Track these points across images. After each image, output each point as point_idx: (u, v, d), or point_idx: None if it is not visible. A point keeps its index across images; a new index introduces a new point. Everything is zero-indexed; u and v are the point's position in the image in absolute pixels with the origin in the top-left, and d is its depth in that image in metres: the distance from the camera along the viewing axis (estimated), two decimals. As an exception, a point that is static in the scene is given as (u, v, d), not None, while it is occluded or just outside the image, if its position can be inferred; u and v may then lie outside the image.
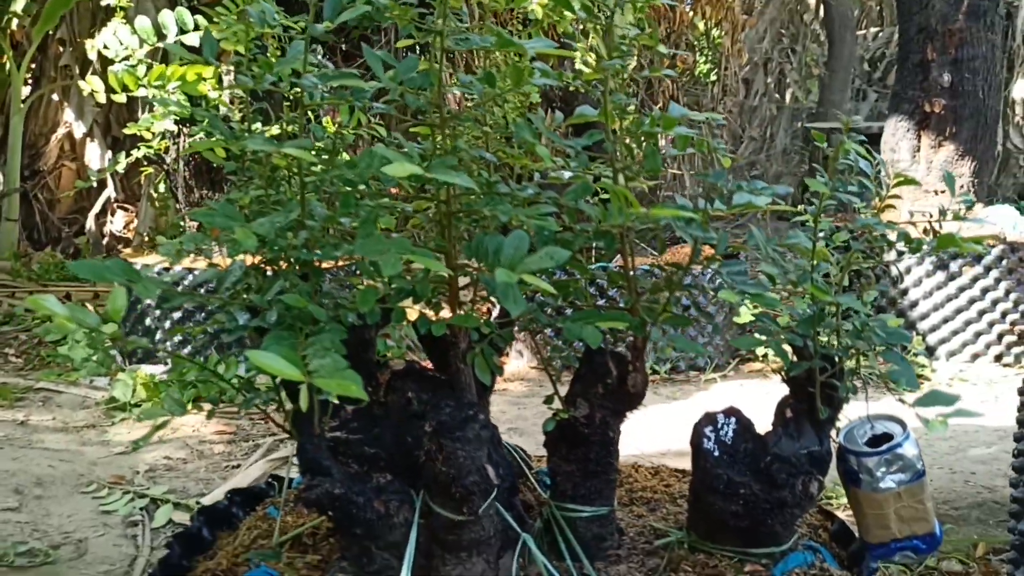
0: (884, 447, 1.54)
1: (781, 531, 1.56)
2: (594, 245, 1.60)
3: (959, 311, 4.54)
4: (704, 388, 4.13)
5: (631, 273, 1.58)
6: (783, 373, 1.55)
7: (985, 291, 4.53)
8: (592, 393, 1.63)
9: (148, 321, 4.19)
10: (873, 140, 5.60)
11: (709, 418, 1.60)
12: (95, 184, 6.17)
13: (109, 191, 6.46)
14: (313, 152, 1.54)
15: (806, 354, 1.55)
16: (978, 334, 4.55)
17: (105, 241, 6.44)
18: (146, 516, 2.81)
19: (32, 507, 2.86)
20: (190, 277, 3.90)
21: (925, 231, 1.59)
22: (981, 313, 4.53)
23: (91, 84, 3.87)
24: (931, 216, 1.58)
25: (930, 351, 4.56)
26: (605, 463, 1.65)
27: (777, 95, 9.38)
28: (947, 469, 3.16)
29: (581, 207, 1.52)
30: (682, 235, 1.46)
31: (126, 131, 3.75)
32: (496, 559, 1.56)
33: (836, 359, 1.54)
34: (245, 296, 1.44)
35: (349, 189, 1.44)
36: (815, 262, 1.49)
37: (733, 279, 1.46)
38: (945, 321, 4.56)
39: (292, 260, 1.44)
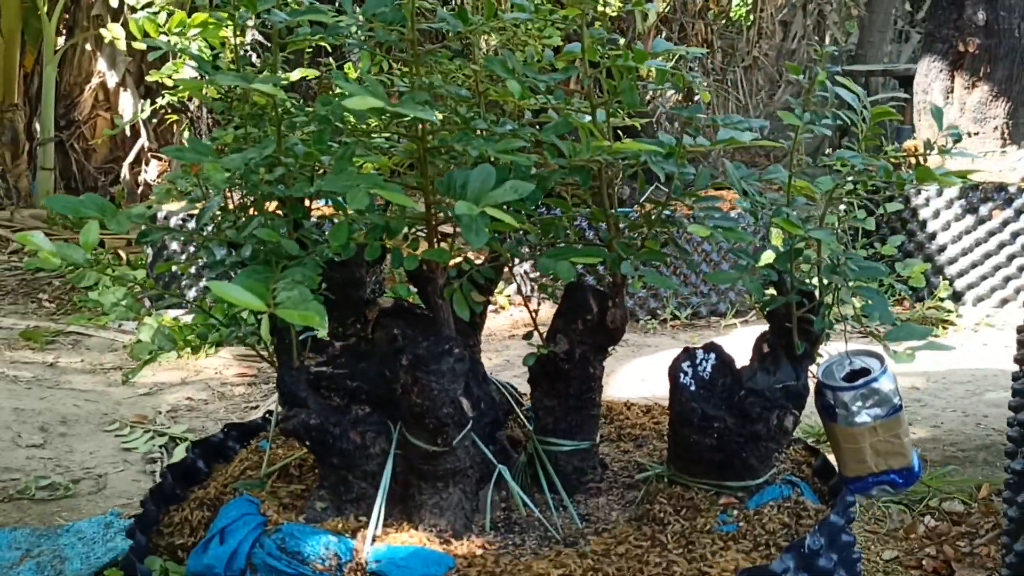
0: (860, 381, 1.54)
1: (756, 464, 1.57)
2: (618, 188, 1.60)
3: (988, 255, 4.47)
4: (724, 333, 4.12)
5: (610, 210, 1.58)
6: (760, 308, 1.55)
7: (1016, 235, 4.44)
8: (572, 329, 1.64)
9: (174, 269, 4.27)
10: (910, 82, 5.47)
11: (688, 353, 1.61)
12: (127, 132, 6.26)
13: (143, 140, 6.55)
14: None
15: (784, 289, 1.55)
16: (1007, 279, 4.47)
17: (140, 190, 6.55)
18: (165, 453, 2.89)
19: (56, 444, 2.97)
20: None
21: (911, 166, 1.57)
22: (1011, 258, 4.45)
23: (112, 32, 3.91)
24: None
25: (957, 296, 4.50)
26: (586, 398, 1.68)
27: (816, 37, 9.17)
28: (960, 412, 3.14)
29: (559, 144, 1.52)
30: (656, 170, 1.46)
31: (148, 79, 3.79)
32: (475, 490, 1.59)
33: (813, 294, 1.54)
34: (224, 232, 1.47)
35: (323, 126, 1.46)
36: (790, 196, 1.48)
37: (706, 213, 1.46)
38: (973, 266, 4.48)
39: (273, 197, 1.46)
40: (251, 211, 1.50)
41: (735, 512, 1.54)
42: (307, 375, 1.55)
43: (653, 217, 1.57)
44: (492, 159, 1.47)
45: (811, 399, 1.60)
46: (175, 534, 1.58)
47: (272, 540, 1.40)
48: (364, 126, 1.59)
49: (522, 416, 1.93)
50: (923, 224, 4.56)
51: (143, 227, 1.41)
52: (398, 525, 1.49)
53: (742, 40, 8.36)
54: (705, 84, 7.77)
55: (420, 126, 1.49)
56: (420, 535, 1.47)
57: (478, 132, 1.52)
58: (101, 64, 6.56)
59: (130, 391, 3.48)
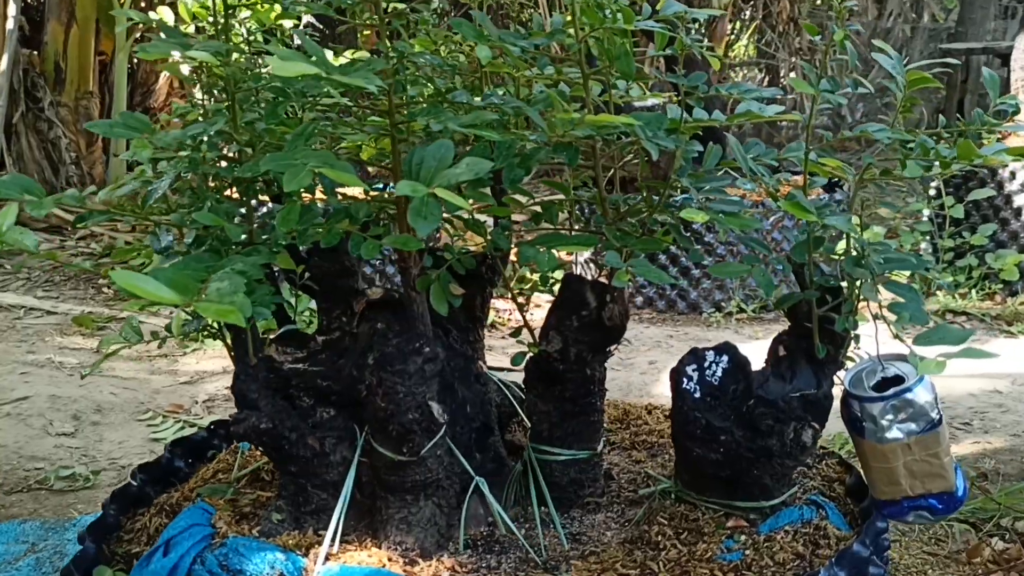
0: (890, 392, 1.32)
1: (770, 483, 1.38)
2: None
3: (1091, 246, 4.10)
4: (792, 327, 3.86)
5: (605, 193, 1.40)
6: (778, 305, 1.35)
7: (1123, 223, 4.06)
8: (566, 326, 1.47)
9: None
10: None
11: (695, 355, 1.42)
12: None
13: (215, 127, 6.56)
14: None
15: (804, 284, 1.35)
16: (1112, 270, 4.09)
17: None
18: (191, 445, 2.82)
19: (87, 433, 2.92)
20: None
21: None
22: (1117, 247, 4.07)
23: (161, 15, 3.86)
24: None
25: (1054, 289, 4.14)
26: (584, 403, 1.50)
27: (913, 15, 8.69)
28: (1043, 420, 2.84)
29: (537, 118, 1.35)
30: (648, 147, 1.28)
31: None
32: (456, 503, 1.44)
33: (838, 290, 1.33)
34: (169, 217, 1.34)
35: (278, 98, 1.32)
36: (808, 177, 1.28)
37: (707, 196, 1.27)
38: (1074, 256, 4.12)
39: (218, 178, 1.33)
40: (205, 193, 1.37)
41: (743, 537, 1.35)
42: (268, 373, 1.41)
43: (655, 200, 1.39)
44: (470, 137, 1.31)
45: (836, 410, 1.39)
46: (134, 541, 1.47)
47: (215, 555, 1.27)
48: (336, 102, 1.44)
49: (527, 419, 1.77)
50: (1018, 212, 4.21)
51: (83, 211, 1.29)
52: (360, 542, 1.35)
53: (832, 18, 7.95)
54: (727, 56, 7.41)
55: (389, 101, 1.34)
56: (382, 553, 1.32)
57: (455, 106, 1.36)
58: (176, 52, 6.59)
59: (171, 379, 3.43)
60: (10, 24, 5.27)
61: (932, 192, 4.59)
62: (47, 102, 5.93)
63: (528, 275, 4.32)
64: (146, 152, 1.15)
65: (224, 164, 1.31)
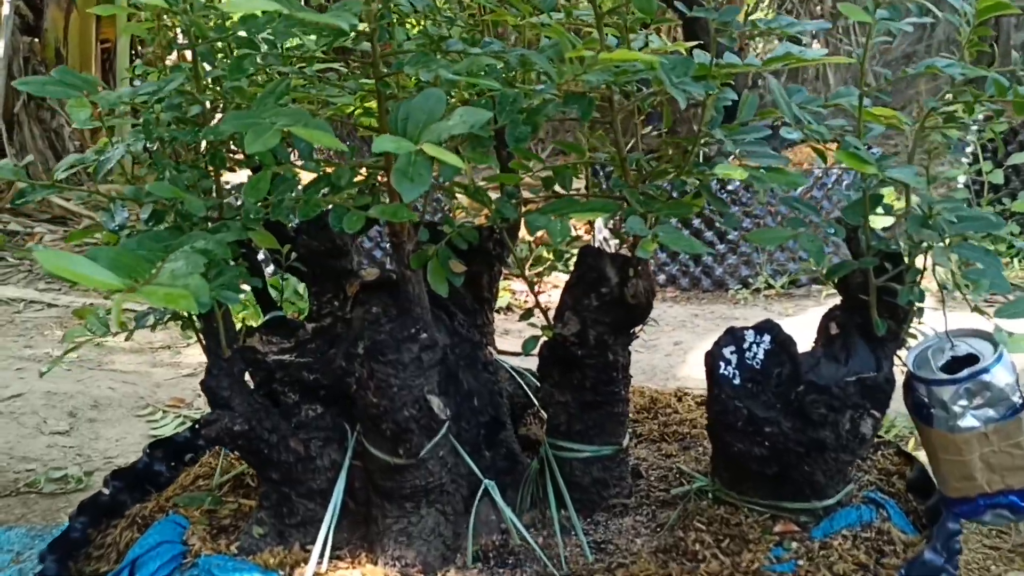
0: (964, 373, 1.14)
1: (824, 481, 1.20)
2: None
3: None
4: (824, 304, 3.66)
5: (624, 153, 1.22)
6: (829, 276, 1.16)
7: None
8: (584, 306, 1.29)
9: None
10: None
11: (732, 336, 1.24)
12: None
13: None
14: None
15: (858, 250, 1.16)
16: None
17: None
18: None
19: (83, 430, 2.77)
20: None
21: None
22: None
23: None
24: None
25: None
26: (606, 392, 1.32)
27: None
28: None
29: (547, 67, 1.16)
30: (675, 94, 1.09)
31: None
32: (463, 510, 1.27)
33: (897, 256, 1.14)
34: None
35: (243, 51, 1.14)
36: (863, 123, 1.09)
37: (745, 148, 1.08)
38: None
39: (175, 143, 1.15)
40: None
41: (794, 545, 1.17)
42: (248, 367, 1.24)
43: (684, 159, 1.20)
44: (470, 98, 1.13)
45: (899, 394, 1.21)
46: (103, 559, 1.31)
47: (185, 577, 1.10)
48: (313, 54, 1.26)
49: (543, 410, 1.59)
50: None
51: (23, 186, 1.12)
52: (353, 557, 1.18)
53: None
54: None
55: (373, 49, 1.16)
56: (379, 570, 1.15)
57: (449, 56, 1.17)
58: (180, 36, 6.43)
59: (172, 371, 3.28)
60: (5, 10, 5.12)
61: (966, 159, 4.36)
62: (48, 90, 5.78)
63: (545, 253, 4.13)
64: (84, 113, 0.98)
65: (185, 128, 1.13)
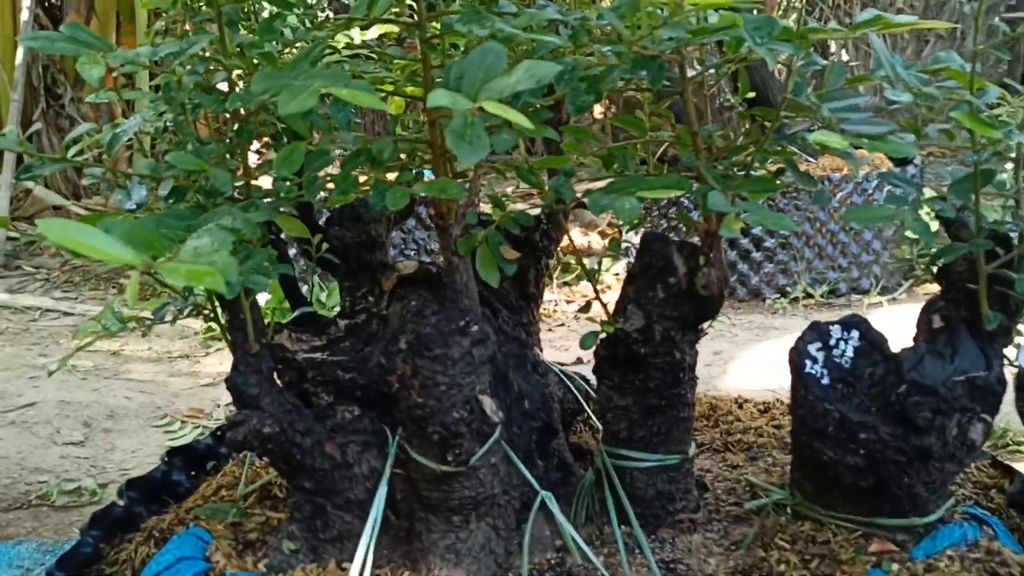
0: (1089, 372, 1.00)
1: (925, 495, 1.06)
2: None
3: None
4: (866, 313, 3.51)
5: (696, 127, 1.09)
6: (924, 262, 1.03)
7: None
8: (648, 298, 1.16)
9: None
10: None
11: (817, 331, 1.11)
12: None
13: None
14: None
15: (965, 232, 1.03)
16: None
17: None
18: (210, 453, 2.54)
19: (98, 441, 2.66)
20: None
21: None
22: None
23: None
24: None
25: None
26: (671, 395, 1.19)
27: (968, -14, 8.25)
28: None
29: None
30: (762, 53, 0.96)
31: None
32: (515, 525, 1.14)
33: (1009, 238, 1.01)
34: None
35: (278, 8, 1.02)
36: (975, 88, 0.96)
37: (840, 115, 0.96)
38: None
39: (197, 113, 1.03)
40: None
41: (894, 567, 1.03)
42: (278, 364, 1.12)
43: (762, 133, 1.07)
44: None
45: (1009, 398, 1.07)
46: (117, 575, 1.19)
47: (208, 600, 0.98)
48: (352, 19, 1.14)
49: (595, 418, 1.47)
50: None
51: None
52: (395, 577, 1.05)
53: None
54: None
55: (420, 11, 1.04)
56: (424, 593, 1.02)
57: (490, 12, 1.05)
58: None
59: (191, 381, 3.16)
60: (24, 15, 5.04)
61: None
62: (68, 98, 5.72)
63: (573, 263, 3.99)
64: (96, 70, 0.86)
65: (210, 96, 1.01)
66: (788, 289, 3.75)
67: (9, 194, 4.81)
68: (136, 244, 0.80)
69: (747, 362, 3.04)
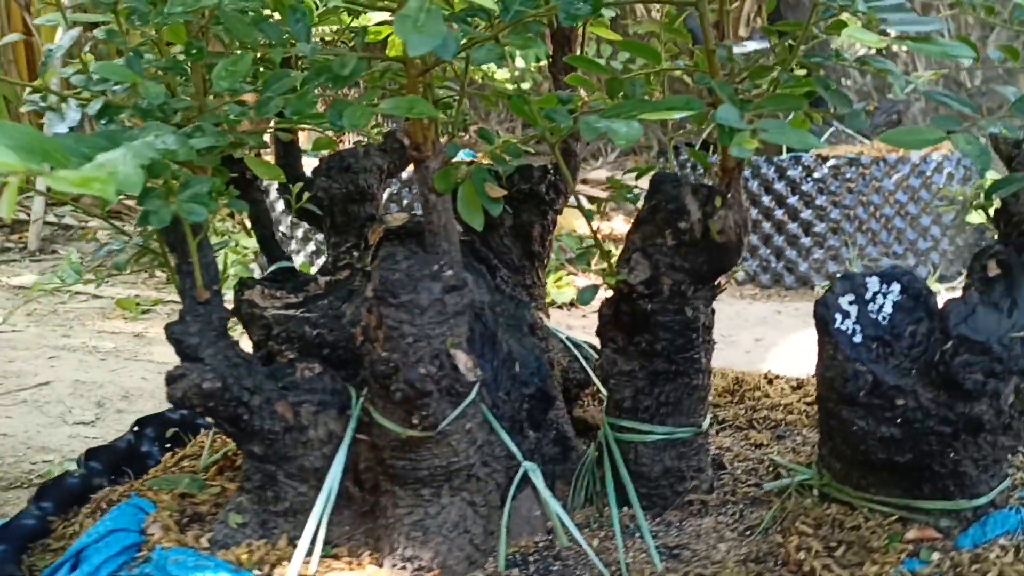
0: None
1: (975, 472, 0.90)
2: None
3: None
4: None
5: (712, 44, 0.94)
6: (990, 193, 0.87)
7: None
8: (656, 246, 1.01)
9: (282, 227, 3.87)
10: None
11: (851, 282, 0.95)
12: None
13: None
14: None
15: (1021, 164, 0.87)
16: None
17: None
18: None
19: (109, 421, 2.57)
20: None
21: None
22: None
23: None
24: None
25: None
26: (683, 360, 1.04)
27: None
28: None
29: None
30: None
31: None
32: (498, 501, 1.00)
33: (1084, 168, 0.85)
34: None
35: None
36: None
37: (882, 14, 0.80)
38: None
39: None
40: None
41: (935, 556, 0.87)
42: (224, 314, 0.99)
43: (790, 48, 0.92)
44: None
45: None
46: (62, 551, 1.07)
47: (135, 574, 0.85)
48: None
49: (602, 385, 1.32)
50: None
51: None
52: (353, 555, 0.92)
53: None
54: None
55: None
56: (384, 573, 0.89)
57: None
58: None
59: (211, 364, 3.07)
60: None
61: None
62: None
63: (563, 245, 3.74)
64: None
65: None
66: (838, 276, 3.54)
67: None
68: (27, 152, 0.68)
69: (789, 349, 2.86)
